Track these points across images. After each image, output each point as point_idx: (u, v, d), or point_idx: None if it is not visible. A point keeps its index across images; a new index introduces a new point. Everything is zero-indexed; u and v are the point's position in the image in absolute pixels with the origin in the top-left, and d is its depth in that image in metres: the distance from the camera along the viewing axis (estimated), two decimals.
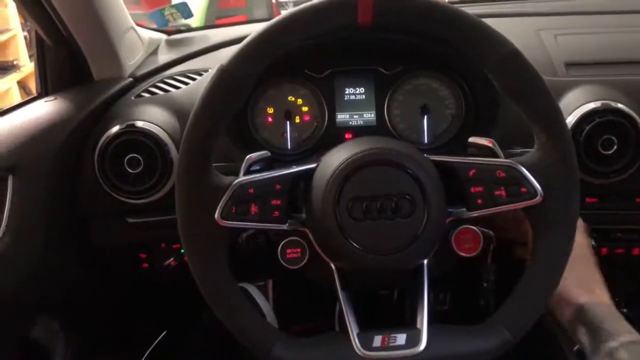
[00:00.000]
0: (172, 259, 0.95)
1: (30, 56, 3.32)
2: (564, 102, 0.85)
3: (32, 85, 3.21)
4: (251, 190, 0.62)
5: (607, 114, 0.81)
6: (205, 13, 3.11)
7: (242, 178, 0.63)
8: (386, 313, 0.83)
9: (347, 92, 0.93)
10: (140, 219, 0.89)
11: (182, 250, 0.94)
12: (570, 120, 0.82)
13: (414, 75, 0.92)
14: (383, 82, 0.93)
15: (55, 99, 0.91)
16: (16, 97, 3.18)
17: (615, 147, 0.81)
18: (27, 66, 3.31)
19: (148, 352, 1.21)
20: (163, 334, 1.25)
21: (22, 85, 3.33)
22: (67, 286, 0.94)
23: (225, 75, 0.59)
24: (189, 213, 0.61)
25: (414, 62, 0.92)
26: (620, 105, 0.81)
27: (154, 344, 1.23)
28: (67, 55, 0.95)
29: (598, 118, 0.81)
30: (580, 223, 0.68)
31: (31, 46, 3.24)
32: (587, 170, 0.81)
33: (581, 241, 0.69)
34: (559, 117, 0.61)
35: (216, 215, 0.61)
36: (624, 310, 1.04)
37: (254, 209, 0.62)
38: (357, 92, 0.93)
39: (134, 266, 0.97)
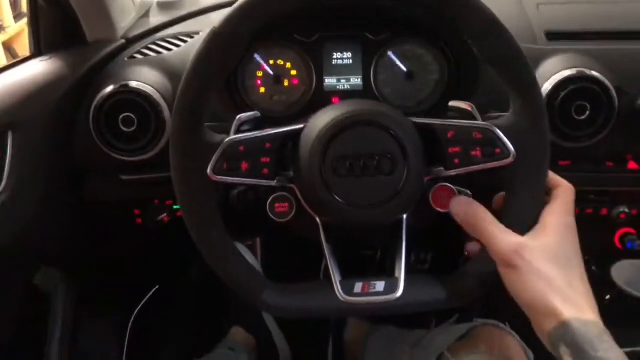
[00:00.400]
0: (165, 214, 0.99)
1: (15, 17, 3.26)
2: (542, 69, 0.88)
3: (18, 47, 3.17)
4: (241, 148, 0.65)
5: (582, 81, 0.84)
6: None
7: (233, 136, 0.66)
8: (368, 269, 0.88)
9: (334, 57, 0.95)
10: (134, 177, 0.92)
11: (175, 207, 0.98)
12: (547, 86, 0.85)
13: (400, 42, 0.94)
14: (370, 48, 0.95)
15: (50, 58, 0.92)
16: (1, 59, 3.13)
17: (587, 112, 0.85)
18: (12, 27, 3.25)
19: (140, 305, 1.26)
20: (155, 288, 1.29)
21: (7, 47, 3.27)
22: (64, 239, 0.98)
23: (217, 37, 0.61)
24: (183, 169, 0.65)
25: (400, 29, 0.94)
26: (594, 73, 0.84)
27: (146, 297, 1.27)
28: (61, 16, 0.95)
29: (573, 85, 0.84)
30: (573, 222, 0.62)
31: (16, 7, 3.19)
32: (560, 134, 0.85)
33: (574, 241, 0.62)
34: (534, 84, 0.64)
35: (209, 171, 0.64)
36: (593, 268, 1.10)
37: (244, 165, 0.66)
38: (345, 57, 0.95)
39: (128, 221, 1.01)
